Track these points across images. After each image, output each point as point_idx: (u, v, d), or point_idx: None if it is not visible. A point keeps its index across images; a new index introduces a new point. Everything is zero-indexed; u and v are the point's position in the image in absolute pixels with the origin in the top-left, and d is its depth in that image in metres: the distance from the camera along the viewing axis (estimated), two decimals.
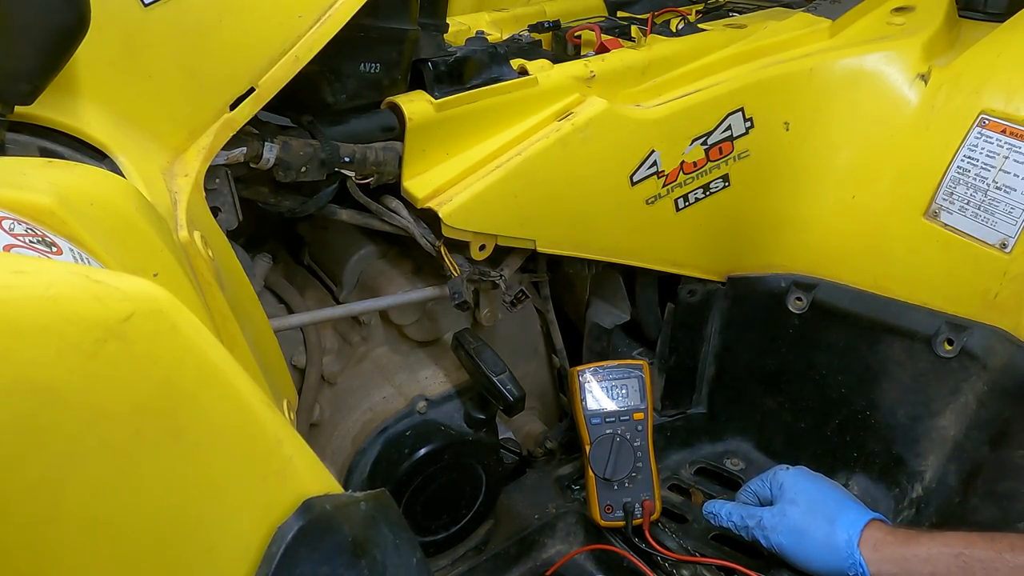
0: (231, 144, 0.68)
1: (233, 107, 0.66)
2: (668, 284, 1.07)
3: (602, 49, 0.98)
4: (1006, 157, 0.84)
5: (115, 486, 0.31)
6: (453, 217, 0.79)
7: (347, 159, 0.76)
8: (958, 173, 0.87)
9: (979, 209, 0.85)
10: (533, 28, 1.09)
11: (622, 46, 0.99)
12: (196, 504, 0.33)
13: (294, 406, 0.78)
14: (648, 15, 1.16)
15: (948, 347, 0.87)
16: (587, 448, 0.91)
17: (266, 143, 0.71)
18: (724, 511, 0.90)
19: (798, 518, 0.84)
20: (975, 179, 0.86)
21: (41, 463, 0.29)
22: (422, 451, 0.85)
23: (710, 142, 0.93)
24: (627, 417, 0.92)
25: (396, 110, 0.80)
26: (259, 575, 0.34)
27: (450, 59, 0.82)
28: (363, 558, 0.38)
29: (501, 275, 0.87)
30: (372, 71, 0.78)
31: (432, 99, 0.80)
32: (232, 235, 0.71)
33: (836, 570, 0.80)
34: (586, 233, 0.90)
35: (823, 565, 0.82)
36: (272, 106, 0.69)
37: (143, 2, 0.60)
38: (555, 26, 1.08)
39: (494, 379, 0.81)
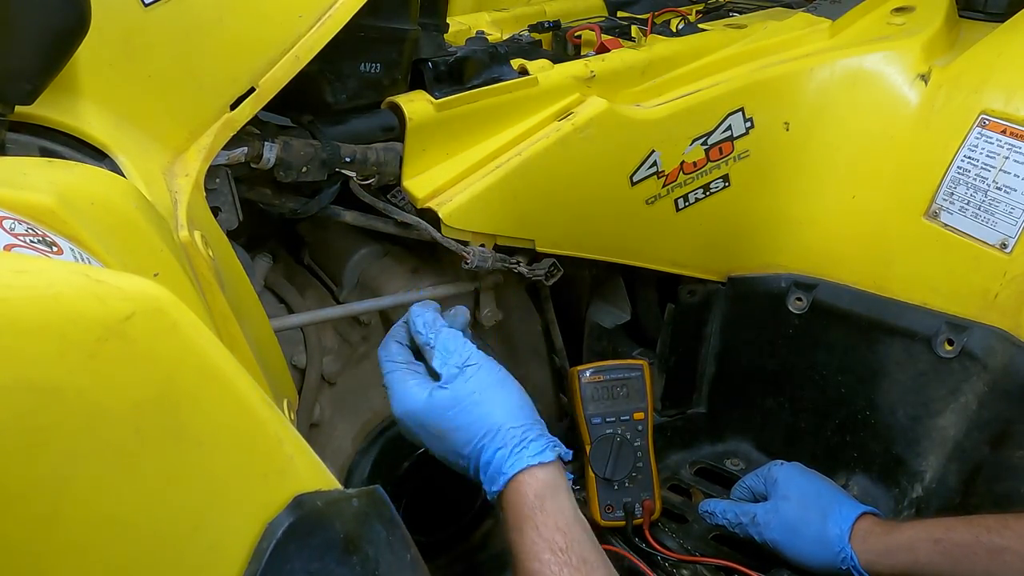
0: (232, 144, 0.68)
1: (233, 107, 0.66)
2: (668, 284, 1.07)
3: (602, 49, 0.98)
4: (1006, 157, 0.84)
5: (116, 485, 0.31)
6: (453, 217, 0.79)
7: (348, 159, 0.76)
8: (958, 173, 0.87)
9: (979, 209, 0.85)
10: (533, 28, 1.09)
11: (622, 46, 0.99)
12: (197, 503, 0.33)
13: (294, 406, 0.78)
14: (648, 15, 1.16)
15: (948, 347, 0.87)
16: (587, 448, 0.91)
17: (266, 143, 0.71)
18: (719, 509, 0.90)
19: (791, 513, 0.84)
20: (975, 179, 0.86)
21: (42, 462, 0.29)
22: (422, 451, 0.85)
23: (710, 142, 0.93)
24: (627, 417, 0.92)
25: (396, 110, 0.80)
26: (250, 570, 0.34)
27: (450, 59, 0.82)
28: (355, 554, 0.38)
29: (519, 262, 0.87)
30: (372, 71, 0.78)
31: (432, 99, 0.80)
32: (232, 235, 0.71)
33: (828, 564, 0.81)
34: (586, 233, 0.90)
35: (816, 559, 0.82)
36: (272, 106, 0.69)
37: (143, 2, 0.60)
38: (555, 26, 1.08)
39: None
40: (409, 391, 0.69)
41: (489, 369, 0.69)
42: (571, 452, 0.69)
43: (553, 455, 0.66)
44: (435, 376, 0.70)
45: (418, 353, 0.73)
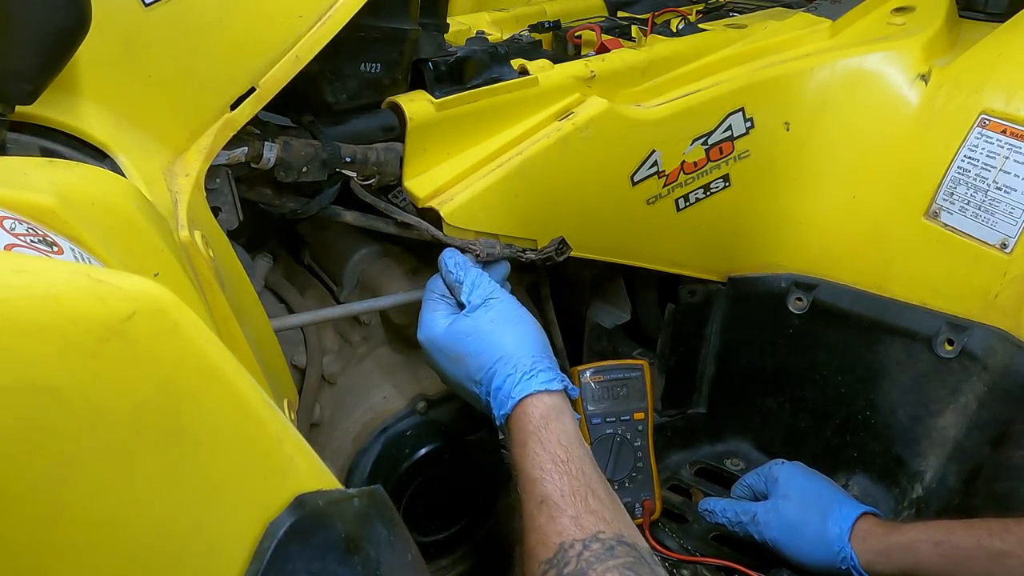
0: (232, 144, 0.68)
1: (234, 107, 0.66)
2: (668, 284, 1.07)
3: (602, 49, 0.98)
4: (1006, 157, 0.84)
5: (116, 485, 0.31)
6: (455, 216, 0.79)
7: (348, 159, 0.76)
8: (958, 173, 0.87)
9: (979, 209, 0.85)
10: (533, 28, 1.09)
11: (622, 46, 0.99)
12: (197, 503, 0.33)
13: (294, 406, 0.78)
14: (648, 15, 1.16)
15: (948, 347, 0.87)
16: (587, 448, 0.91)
17: (267, 143, 0.71)
18: (719, 507, 0.90)
19: (791, 513, 0.84)
20: (975, 179, 0.86)
21: (42, 462, 0.29)
22: (422, 451, 0.85)
23: (710, 142, 0.93)
24: (627, 417, 0.92)
25: (397, 110, 0.80)
26: (251, 570, 0.34)
27: (451, 59, 0.82)
28: (356, 554, 0.38)
29: (525, 250, 0.87)
30: (372, 71, 0.78)
31: (433, 99, 0.80)
32: (233, 235, 0.71)
33: (828, 563, 0.81)
34: (587, 233, 0.90)
35: (815, 558, 0.82)
36: (273, 106, 0.69)
37: (144, 2, 0.60)
38: (555, 26, 1.08)
39: None
40: (435, 317, 0.74)
41: (510, 304, 0.74)
42: (577, 391, 0.72)
43: (560, 386, 0.69)
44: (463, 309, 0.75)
45: None
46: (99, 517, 0.31)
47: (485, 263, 0.80)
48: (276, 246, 0.98)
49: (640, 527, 0.90)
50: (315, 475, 0.38)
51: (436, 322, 0.74)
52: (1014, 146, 0.84)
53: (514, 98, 0.84)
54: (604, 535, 0.58)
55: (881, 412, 0.93)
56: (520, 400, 0.67)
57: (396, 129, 0.80)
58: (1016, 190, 0.83)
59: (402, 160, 0.80)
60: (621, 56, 0.93)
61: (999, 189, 0.84)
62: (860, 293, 0.94)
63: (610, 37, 1.01)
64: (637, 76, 0.93)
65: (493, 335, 0.71)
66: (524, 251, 0.86)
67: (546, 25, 1.08)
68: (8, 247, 0.34)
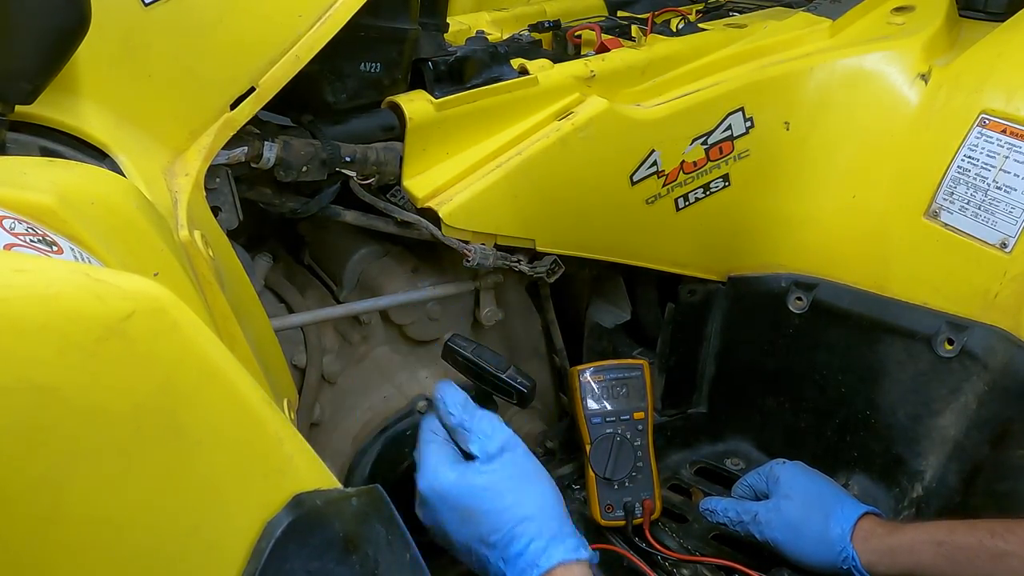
0: (232, 144, 0.68)
1: (234, 107, 0.66)
2: (668, 284, 1.07)
3: (602, 49, 0.98)
4: (1006, 157, 0.84)
5: (116, 485, 0.31)
6: (453, 217, 0.79)
7: (348, 159, 0.76)
8: (958, 173, 0.87)
9: (979, 209, 0.85)
10: (533, 28, 1.09)
11: (622, 46, 0.99)
12: (196, 502, 0.33)
13: (294, 406, 0.78)
14: (648, 15, 1.16)
15: (948, 347, 0.87)
16: (587, 448, 0.91)
17: (266, 143, 0.71)
18: (720, 507, 0.90)
19: (793, 513, 0.84)
20: (975, 179, 0.86)
21: (42, 461, 0.29)
22: None
23: (710, 142, 0.93)
24: (627, 417, 0.92)
25: (396, 110, 0.80)
26: (248, 570, 0.34)
27: (450, 59, 0.82)
28: (354, 554, 0.38)
29: (519, 260, 0.86)
30: (372, 71, 0.78)
31: (432, 99, 0.80)
32: (232, 235, 0.71)
33: (829, 563, 0.81)
34: (586, 233, 0.90)
35: (817, 559, 0.82)
36: (273, 106, 0.69)
37: (143, 2, 0.60)
38: (555, 26, 1.08)
39: (503, 376, 0.78)
40: (442, 466, 0.67)
41: (526, 456, 0.68)
42: (597, 555, 0.66)
43: (587, 554, 0.64)
44: (468, 457, 0.68)
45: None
46: (98, 517, 0.31)
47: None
48: (276, 246, 0.98)
49: (640, 527, 0.91)
50: (314, 474, 0.38)
51: (441, 471, 0.66)
52: (1014, 145, 0.84)
53: (514, 98, 0.84)
54: None
55: (881, 412, 0.93)
56: (547, 571, 0.61)
57: (396, 129, 0.80)
58: (1016, 189, 0.83)
59: (402, 160, 0.80)
60: (621, 56, 0.93)
61: (999, 188, 0.84)
62: (860, 293, 0.94)
63: (610, 37, 1.01)
64: (637, 76, 0.93)
65: (514, 492, 0.64)
66: (518, 261, 0.86)
67: (546, 25, 1.08)
68: (8, 247, 0.34)
